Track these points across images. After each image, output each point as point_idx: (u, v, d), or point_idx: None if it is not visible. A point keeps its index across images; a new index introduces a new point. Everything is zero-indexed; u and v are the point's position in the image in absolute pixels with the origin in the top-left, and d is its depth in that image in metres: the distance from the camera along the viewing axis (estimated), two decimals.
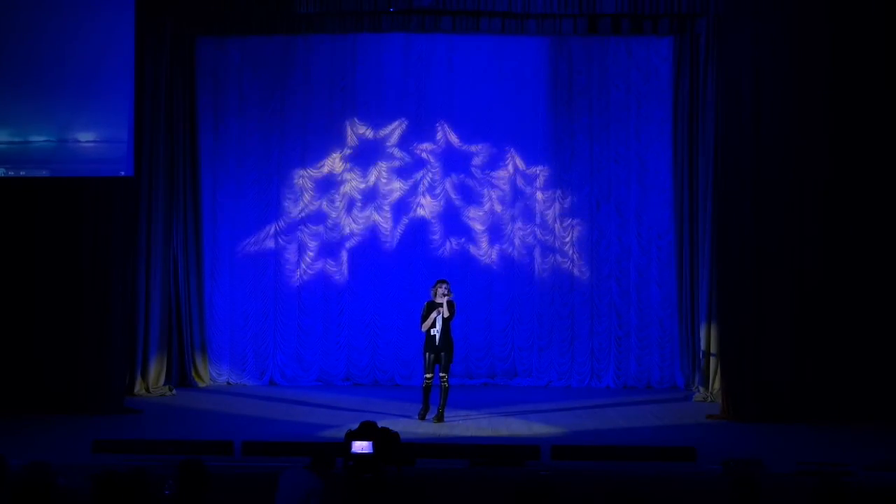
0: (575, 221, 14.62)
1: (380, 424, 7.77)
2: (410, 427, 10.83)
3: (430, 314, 11.34)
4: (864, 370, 11.77)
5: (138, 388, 13.19)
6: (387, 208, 14.74)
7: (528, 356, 14.64)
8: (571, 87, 14.54)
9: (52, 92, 12.04)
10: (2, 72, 12.16)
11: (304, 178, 14.73)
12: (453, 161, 14.71)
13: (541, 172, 14.67)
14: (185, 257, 14.33)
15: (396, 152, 14.71)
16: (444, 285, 11.39)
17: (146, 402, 12.75)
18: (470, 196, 14.72)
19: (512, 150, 14.67)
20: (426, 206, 14.70)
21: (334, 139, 14.74)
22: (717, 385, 12.79)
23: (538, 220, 14.70)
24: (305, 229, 14.77)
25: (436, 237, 14.70)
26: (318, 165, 14.75)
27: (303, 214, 14.77)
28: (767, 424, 11.50)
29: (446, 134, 14.68)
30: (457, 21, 13.89)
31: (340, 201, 14.77)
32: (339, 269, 14.76)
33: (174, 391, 13.53)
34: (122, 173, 12.13)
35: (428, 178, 14.72)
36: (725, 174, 12.18)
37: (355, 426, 7.65)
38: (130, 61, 12.06)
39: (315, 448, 7.40)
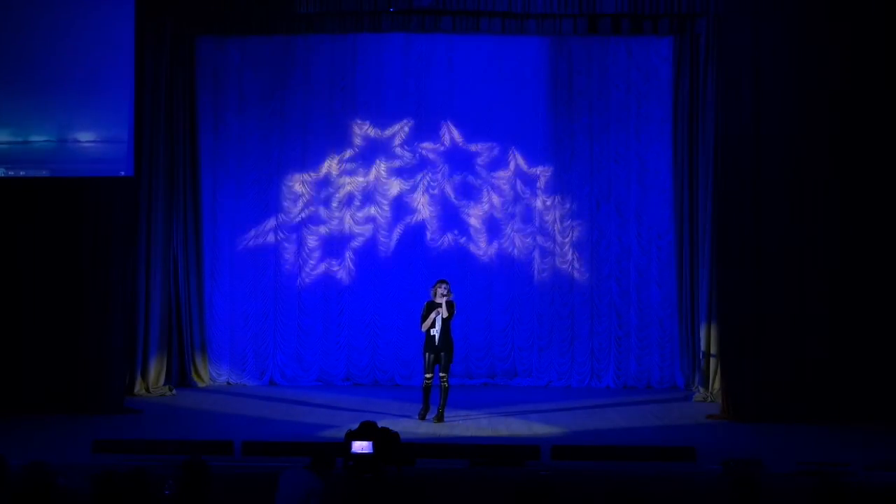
0: (575, 221, 14.62)
1: (380, 424, 7.78)
2: (410, 427, 10.83)
3: (429, 314, 11.34)
4: (864, 370, 11.77)
5: (138, 388, 13.19)
6: (386, 208, 14.74)
7: (528, 356, 14.64)
8: (571, 87, 14.54)
9: (52, 92, 12.05)
10: (2, 72, 12.16)
11: (304, 178, 14.73)
12: (453, 161, 14.70)
13: (541, 172, 14.67)
14: (185, 257, 14.33)
15: (395, 152, 14.71)
16: (443, 285, 11.39)
17: (146, 402, 12.75)
18: (470, 196, 14.72)
19: (512, 150, 14.67)
20: (425, 206, 14.70)
21: (334, 139, 14.74)
22: (717, 385, 12.79)
23: (538, 220, 14.70)
24: (306, 229, 14.77)
25: (436, 237, 14.69)
26: (318, 165, 14.75)
27: (303, 214, 14.77)
28: (767, 424, 11.49)
29: (446, 134, 14.67)
30: (457, 21, 13.89)
31: (340, 201, 14.77)
32: (339, 269, 14.76)
33: (174, 391, 13.53)
34: (122, 173, 12.14)
35: (427, 178, 14.72)
36: (725, 174, 12.18)
37: (355, 426, 7.67)
38: (130, 61, 12.06)
39: (315, 448, 7.41)
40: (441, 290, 11.34)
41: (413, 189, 14.72)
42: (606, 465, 9.16)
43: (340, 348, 14.70)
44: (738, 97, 12.07)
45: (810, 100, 11.90)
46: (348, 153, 14.74)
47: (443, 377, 11.34)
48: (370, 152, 14.73)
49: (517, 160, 14.67)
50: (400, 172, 14.74)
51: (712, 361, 13.07)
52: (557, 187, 14.63)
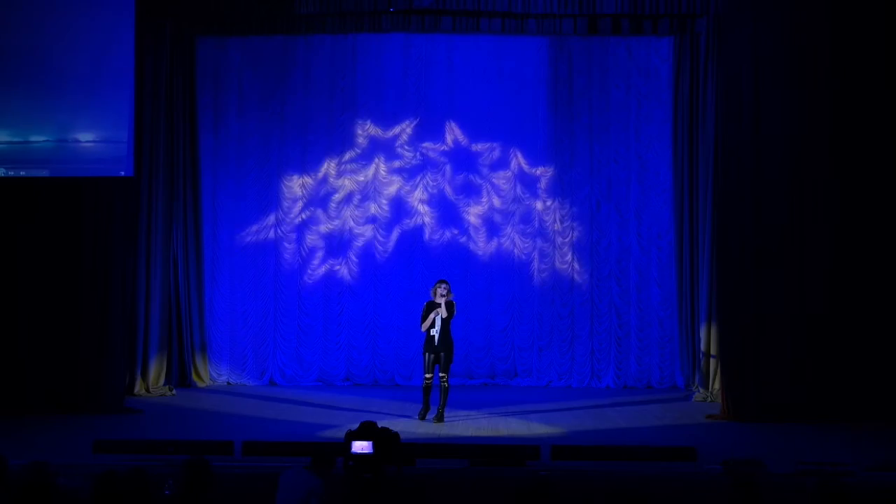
0: (575, 221, 14.62)
1: (380, 424, 7.76)
2: (410, 427, 10.83)
3: (429, 314, 11.34)
4: (864, 370, 11.76)
5: (138, 388, 13.20)
6: (386, 208, 14.74)
7: (528, 356, 14.65)
8: (571, 87, 14.54)
9: (53, 92, 12.05)
10: (2, 72, 12.16)
11: (303, 178, 14.74)
12: (452, 161, 14.71)
13: (541, 172, 14.67)
14: (185, 257, 14.33)
15: (395, 152, 14.72)
16: (443, 286, 11.38)
17: (146, 402, 12.75)
18: (469, 195, 14.73)
19: (512, 150, 14.67)
20: (425, 206, 14.70)
21: (334, 139, 14.74)
22: (717, 385, 12.79)
23: (538, 220, 14.70)
24: (306, 229, 14.78)
25: (436, 236, 14.70)
26: (318, 165, 14.75)
27: (303, 214, 14.77)
28: (767, 424, 11.49)
29: (446, 134, 14.68)
30: (457, 21, 13.89)
31: (340, 201, 14.77)
32: (339, 269, 14.76)
33: (174, 391, 13.53)
34: (122, 173, 12.14)
35: (427, 178, 14.73)
36: (725, 174, 12.18)
37: (355, 426, 7.65)
38: (130, 61, 12.07)
39: (315, 448, 7.40)
40: (441, 290, 11.34)
41: (412, 189, 14.72)
42: (606, 465, 9.15)
43: (340, 348, 14.70)
44: (738, 97, 12.07)
45: (810, 100, 11.91)
46: (348, 153, 14.75)
47: (443, 377, 11.34)
48: (370, 152, 14.73)
49: (517, 160, 14.68)
50: (399, 172, 14.74)
51: (712, 362, 13.07)
52: (557, 187, 14.63)
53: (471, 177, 14.71)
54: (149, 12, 12.55)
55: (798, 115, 11.92)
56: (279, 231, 14.73)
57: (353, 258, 14.76)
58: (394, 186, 14.73)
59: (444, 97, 14.65)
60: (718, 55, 12.48)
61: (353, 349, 14.70)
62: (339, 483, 7.29)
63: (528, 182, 14.69)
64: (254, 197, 14.71)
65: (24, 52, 12.04)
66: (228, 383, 14.51)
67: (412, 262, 14.65)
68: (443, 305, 11.28)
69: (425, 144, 14.70)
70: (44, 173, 12.17)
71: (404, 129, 14.70)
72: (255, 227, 14.70)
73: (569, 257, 14.62)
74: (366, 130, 14.71)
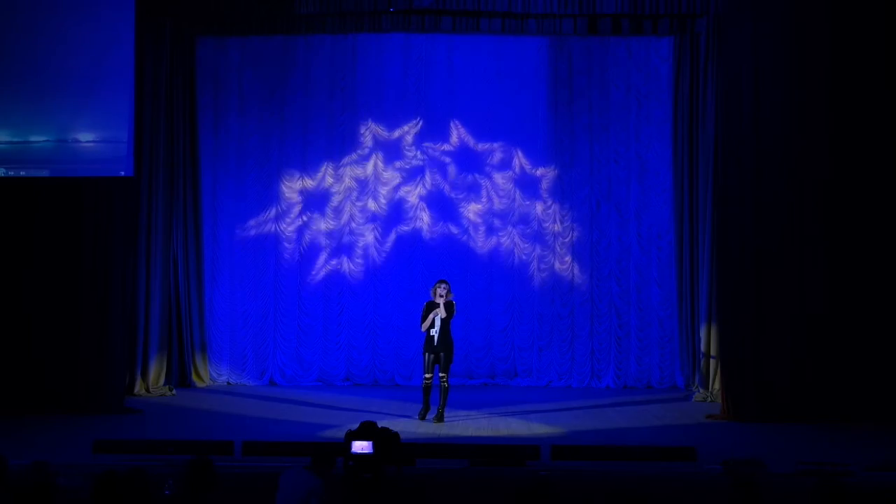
0: (575, 221, 14.62)
1: (380, 424, 7.76)
2: (410, 427, 10.83)
3: (429, 314, 11.34)
4: (863, 370, 11.76)
5: (138, 388, 13.20)
6: (386, 208, 14.74)
7: (528, 356, 14.65)
8: (571, 87, 14.55)
9: (53, 92, 12.06)
10: (2, 72, 12.16)
11: (304, 178, 14.74)
12: (452, 161, 14.71)
13: (541, 172, 14.67)
14: (185, 257, 14.33)
15: (394, 152, 14.72)
16: (442, 286, 11.38)
17: (146, 402, 12.75)
18: (469, 195, 14.73)
19: (512, 150, 14.68)
20: (425, 206, 14.70)
21: (334, 139, 14.74)
22: (717, 385, 12.79)
23: (538, 220, 14.70)
24: (306, 229, 14.78)
25: (436, 236, 14.70)
26: (318, 165, 14.75)
27: (303, 214, 14.77)
28: (767, 424, 11.49)
29: (446, 133, 14.68)
30: (457, 21, 13.89)
31: (340, 201, 14.77)
32: (339, 269, 14.76)
33: (174, 391, 13.53)
34: (122, 173, 12.14)
35: (426, 178, 14.73)
36: (725, 174, 12.18)
37: (355, 426, 7.65)
38: (130, 61, 12.07)
39: (315, 448, 7.40)
40: (440, 290, 11.33)
41: (412, 189, 14.72)
42: (606, 465, 9.14)
43: (340, 348, 14.71)
44: (738, 97, 12.07)
45: (810, 100, 11.90)
46: (348, 153, 14.75)
47: (443, 377, 11.34)
48: (370, 152, 14.73)
49: (517, 160, 14.68)
50: (399, 172, 14.74)
51: (712, 362, 13.07)
52: (557, 187, 14.63)
53: (470, 177, 14.71)
54: (149, 12, 12.55)
55: (798, 115, 11.92)
56: (279, 231, 14.73)
57: (353, 258, 14.76)
58: (393, 186, 14.73)
59: (444, 97, 14.65)
60: (718, 55, 12.47)
61: (353, 349, 14.70)
62: (339, 483, 7.29)
63: (527, 182, 14.69)
64: (254, 197, 14.72)
65: (24, 52, 12.04)
66: (228, 383, 14.51)
67: (412, 262, 14.65)
68: (441, 306, 11.28)
69: (425, 144, 14.70)
70: (44, 173, 12.17)
71: (403, 129, 14.70)
72: (255, 227, 14.70)
73: (569, 257, 14.62)
74: (365, 130, 14.71)
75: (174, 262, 14.18)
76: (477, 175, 14.71)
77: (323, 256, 14.78)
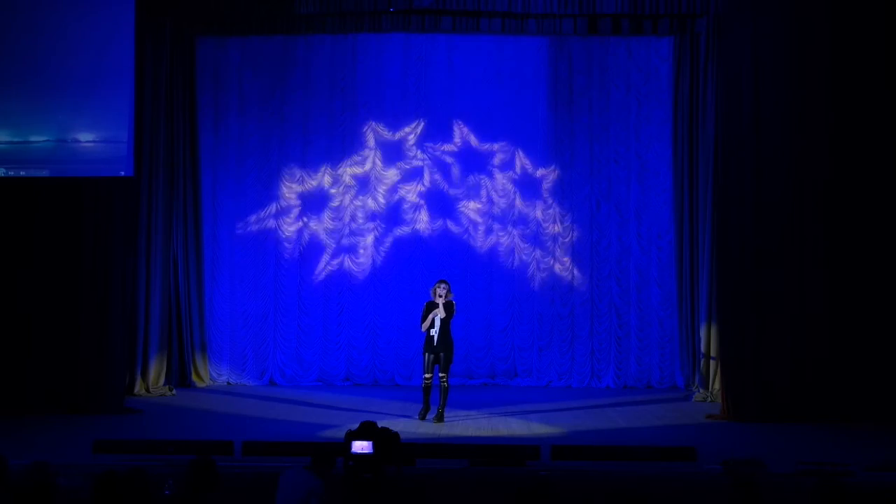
0: (575, 222, 14.62)
1: (380, 424, 7.76)
2: (410, 427, 10.83)
3: (429, 314, 11.34)
4: (863, 370, 11.76)
5: (138, 388, 13.20)
6: (385, 208, 14.74)
7: (528, 356, 14.65)
8: (571, 87, 14.55)
9: (52, 92, 12.06)
10: (2, 72, 12.16)
11: (304, 178, 14.74)
12: (453, 160, 14.71)
13: (541, 172, 14.67)
14: (185, 257, 14.34)
15: (395, 152, 14.72)
16: (442, 286, 11.38)
17: (146, 402, 12.75)
18: (469, 195, 14.72)
19: (512, 150, 14.68)
20: (424, 206, 14.70)
21: (334, 139, 14.75)
22: (716, 385, 12.79)
23: (538, 220, 14.70)
24: (306, 228, 14.78)
25: (436, 236, 14.70)
26: (318, 165, 14.75)
27: (303, 214, 14.77)
28: (767, 424, 11.49)
29: (446, 133, 14.69)
30: (457, 21, 13.90)
31: (340, 201, 14.77)
32: (338, 269, 14.76)
33: (174, 391, 13.53)
34: (122, 173, 12.14)
35: (426, 178, 14.73)
36: (725, 174, 12.18)
37: (355, 426, 7.65)
38: (130, 61, 12.07)
39: (315, 448, 7.40)
40: (440, 290, 11.33)
41: (411, 189, 14.72)
42: (606, 465, 9.14)
43: (340, 348, 14.71)
44: (738, 97, 12.06)
45: (810, 99, 11.90)
46: (348, 153, 14.75)
47: (442, 377, 11.34)
48: (370, 152, 14.74)
49: (517, 160, 14.68)
50: (399, 172, 14.74)
51: (712, 362, 13.06)
52: (557, 187, 14.64)
53: (470, 177, 14.71)
54: (149, 12, 12.56)
55: (798, 115, 11.92)
56: (279, 230, 14.73)
57: (353, 258, 14.76)
58: (393, 186, 14.73)
59: (444, 97, 14.65)
60: (718, 55, 12.48)
61: (353, 349, 14.70)
62: (339, 483, 7.29)
63: (527, 182, 14.69)
64: (254, 196, 14.72)
65: (24, 52, 12.04)
66: (228, 383, 14.51)
67: (412, 262, 14.65)
68: (441, 306, 11.28)
69: (425, 144, 14.70)
70: (44, 173, 12.17)
71: (404, 130, 14.70)
72: (255, 227, 14.71)
73: (569, 257, 14.62)
74: (365, 130, 14.72)
75: (174, 262, 14.18)
76: (477, 175, 14.71)
77: (323, 256, 14.78)
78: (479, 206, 14.72)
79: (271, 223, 14.73)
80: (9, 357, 12.06)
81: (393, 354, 14.61)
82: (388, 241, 14.73)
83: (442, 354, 11.31)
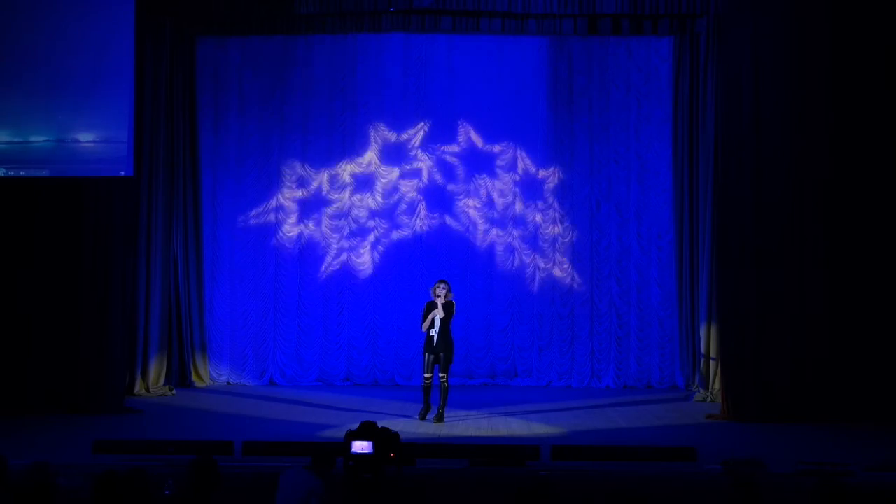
0: (575, 221, 14.62)
1: (380, 424, 7.76)
2: (410, 427, 10.83)
3: (429, 315, 11.34)
4: (863, 370, 11.76)
5: (138, 388, 13.20)
6: (385, 208, 14.74)
7: (528, 356, 14.65)
8: (571, 87, 14.55)
9: (53, 92, 12.06)
10: (2, 72, 12.16)
11: (303, 178, 14.74)
12: (453, 160, 14.70)
13: (541, 172, 14.67)
14: (185, 257, 14.33)
15: (395, 152, 14.72)
16: (442, 286, 11.38)
17: (146, 402, 12.75)
18: (470, 196, 14.72)
19: (512, 149, 14.68)
20: (424, 206, 14.70)
21: (334, 139, 14.75)
22: (716, 385, 12.79)
23: (538, 220, 14.70)
24: (305, 228, 14.78)
25: (436, 236, 14.70)
26: (318, 165, 14.75)
27: (303, 214, 14.77)
28: (767, 424, 11.49)
29: (449, 135, 14.68)
30: (457, 21, 13.90)
31: (340, 201, 14.77)
32: (338, 269, 14.76)
33: (174, 391, 13.53)
34: (122, 173, 12.14)
35: (426, 178, 14.72)
36: (725, 174, 12.18)
37: (355, 426, 7.64)
38: (130, 61, 12.07)
39: (315, 448, 7.40)
40: (439, 290, 11.33)
41: (411, 189, 14.72)
42: (606, 465, 9.14)
43: (340, 348, 14.71)
44: (738, 97, 12.06)
45: (810, 99, 11.90)
46: (348, 153, 14.75)
47: (442, 377, 11.34)
48: (370, 152, 14.73)
49: (517, 160, 14.68)
50: (399, 172, 14.74)
51: (712, 362, 13.06)
52: (557, 187, 14.64)
53: (471, 177, 14.71)
54: (149, 12, 12.56)
55: (798, 115, 11.92)
56: (279, 230, 14.73)
57: (354, 258, 14.76)
58: (393, 186, 14.73)
59: (444, 97, 14.65)
60: (718, 55, 12.48)
61: (353, 349, 14.70)
62: (339, 483, 7.29)
63: (528, 182, 14.69)
64: (254, 196, 14.72)
65: (24, 52, 12.04)
66: (228, 383, 14.51)
67: (412, 262, 14.64)
68: (440, 306, 11.28)
69: (426, 144, 14.70)
70: (44, 173, 12.17)
71: (407, 131, 14.70)
72: (255, 227, 14.70)
73: (569, 257, 14.62)
74: (365, 130, 14.72)
75: (174, 262, 14.18)
76: (477, 175, 14.71)
77: (323, 256, 14.78)
78: (478, 205, 14.71)
79: (271, 223, 14.73)
80: (9, 357, 12.06)
81: (393, 354, 14.61)
82: (389, 240, 14.73)
83: (442, 354, 11.31)
